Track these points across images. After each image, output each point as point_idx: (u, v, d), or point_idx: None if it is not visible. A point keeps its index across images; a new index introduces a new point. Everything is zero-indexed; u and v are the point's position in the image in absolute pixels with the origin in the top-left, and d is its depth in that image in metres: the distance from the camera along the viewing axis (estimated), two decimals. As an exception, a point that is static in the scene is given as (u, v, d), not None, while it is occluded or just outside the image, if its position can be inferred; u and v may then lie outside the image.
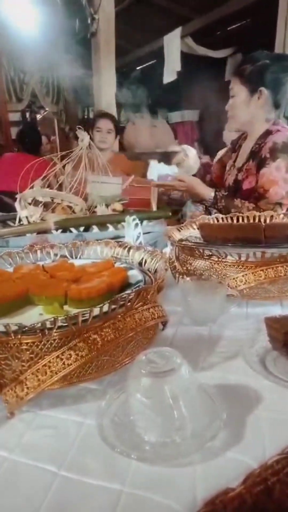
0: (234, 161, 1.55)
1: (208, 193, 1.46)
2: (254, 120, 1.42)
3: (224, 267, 0.78)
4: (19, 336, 0.51)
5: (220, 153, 1.86)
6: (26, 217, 1.46)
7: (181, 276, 0.87)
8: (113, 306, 0.56)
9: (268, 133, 1.37)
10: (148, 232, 1.38)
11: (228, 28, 4.39)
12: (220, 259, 0.79)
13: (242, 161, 1.46)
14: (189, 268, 0.86)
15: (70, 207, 1.61)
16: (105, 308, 0.55)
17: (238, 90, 1.40)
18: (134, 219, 0.99)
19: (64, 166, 1.68)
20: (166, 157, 1.76)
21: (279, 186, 1.28)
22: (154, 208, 1.68)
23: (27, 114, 6.09)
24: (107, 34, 3.29)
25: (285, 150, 1.29)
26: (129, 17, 4.30)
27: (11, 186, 1.65)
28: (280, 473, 0.42)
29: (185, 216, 2.86)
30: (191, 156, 1.63)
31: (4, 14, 3.52)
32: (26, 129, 3.62)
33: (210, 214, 2.10)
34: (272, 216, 1.03)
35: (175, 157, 1.67)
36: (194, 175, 1.70)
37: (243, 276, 0.75)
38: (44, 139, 4.18)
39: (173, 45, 4.31)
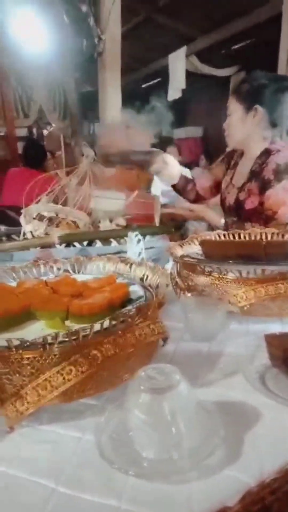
0: (231, 179, 1.54)
1: (218, 220, 1.45)
2: (250, 138, 1.42)
3: (225, 283, 0.79)
4: (21, 351, 0.51)
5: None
6: (31, 232, 1.48)
7: (182, 292, 0.88)
8: (113, 322, 0.56)
9: (267, 152, 1.38)
10: (151, 248, 1.40)
11: (233, 48, 4.48)
12: (220, 276, 0.79)
13: (242, 181, 1.45)
14: (190, 284, 0.86)
15: (74, 222, 1.63)
16: (106, 324, 0.55)
17: (234, 108, 1.41)
18: (136, 235, 1.00)
19: (69, 181, 1.70)
20: (142, 163, 1.72)
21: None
22: (157, 223, 1.70)
23: (34, 130, 6.20)
24: (113, 54, 3.38)
25: None
26: (136, 36, 4.42)
27: (17, 200, 1.68)
28: (278, 492, 0.42)
29: (188, 231, 2.88)
30: (171, 163, 1.62)
31: (13, 33, 3.63)
32: (30, 145, 3.68)
33: (213, 229, 2.11)
34: (273, 233, 1.04)
35: (153, 165, 1.64)
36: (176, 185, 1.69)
37: (243, 292, 0.76)
38: (48, 154, 4.24)
39: (178, 63, 4.40)
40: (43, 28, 3.45)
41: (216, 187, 1.67)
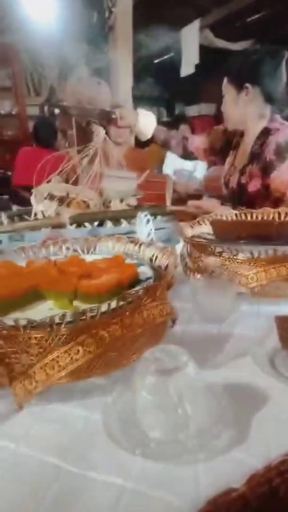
0: (233, 160, 1.51)
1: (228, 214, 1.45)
2: (246, 118, 1.40)
3: (235, 264, 0.77)
4: (28, 331, 0.51)
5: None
6: (42, 212, 1.48)
7: (192, 273, 0.87)
8: (121, 303, 0.56)
9: (267, 131, 1.34)
10: (162, 228, 1.38)
11: (248, 20, 4.30)
12: (231, 257, 0.78)
13: (243, 163, 1.42)
14: (200, 265, 0.85)
15: (85, 202, 1.62)
16: (113, 304, 0.55)
17: (227, 89, 1.39)
18: (145, 215, 0.99)
19: (80, 160, 1.68)
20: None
21: None
22: (169, 203, 1.67)
23: (46, 108, 6.13)
24: (124, 28, 3.28)
25: None
26: (147, 9, 4.26)
27: (28, 180, 1.67)
28: (285, 474, 0.41)
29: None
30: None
31: (22, 9, 3.54)
32: (40, 123, 3.64)
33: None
34: (286, 213, 1.01)
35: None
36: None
37: (254, 274, 0.74)
38: (59, 134, 4.20)
39: (191, 37, 4.25)
40: (52, 2, 3.36)
41: (211, 151, 1.68)
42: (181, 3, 4.04)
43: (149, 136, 1.62)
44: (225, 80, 1.40)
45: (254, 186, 1.37)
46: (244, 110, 1.38)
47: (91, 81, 1.73)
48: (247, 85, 1.33)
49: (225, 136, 1.60)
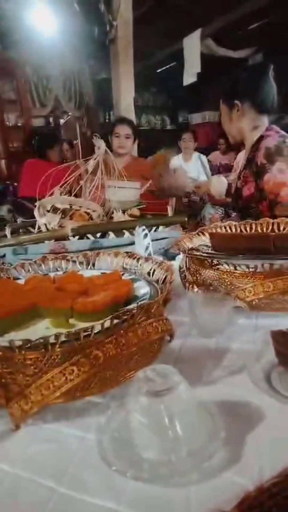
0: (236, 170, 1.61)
1: (222, 190, 1.54)
2: (241, 131, 1.49)
3: (233, 277, 0.77)
4: (24, 352, 0.52)
5: None
6: (45, 224, 1.50)
7: (190, 286, 0.87)
8: (115, 321, 0.56)
9: (260, 138, 1.41)
10: (164, 238, 1.39)
11: (249, 28, 4.32)
12: (228, 270, 0.78)
13: (240, 170, 1.52)
14: (198, 278, 0.85)
15: (88, 213, 1.63)
16: (108, 323, 0.55)
17: (222, 109, 1.52)
18: (143, 230, 0.99)
19: (83, 172, 1.71)
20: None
21: None
22: (170, 213, 1.68)
23: (51, 119, 6.22)
24: (125, 40, 3.32)
25: (280, 153, 1.33)
26: (149, 20, 4.32)
27: (33, 192, 1.70)
28: (277, 497, 0.41)
29: (204, 219, 2.85)
30: (216, 185, 1.74)
31: (26, 23, 3.61)
32: (35, 136, 3.67)
33: (229, 216, 2.12)
34: (286, 223, 1.01)
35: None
36: None
37: (251, 287, 0.74)
38: (65, 145, 4.24)
39: (193, 46, 4.29)
40: (55, 17, 3.42)
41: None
42: (181, 14, 4.08)
43: (223, 196, 1.73)
44: (221, 101, 1.53)
45: (248, 190, 1.44)
46: (238, 124, 1.48)
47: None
48: (236, 102, 1.43)
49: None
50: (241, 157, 1.73)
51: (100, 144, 1.70)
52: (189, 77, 4.43)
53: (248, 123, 1.45)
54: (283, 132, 1.43)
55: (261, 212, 1.39)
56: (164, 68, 6.00)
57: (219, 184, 1.69)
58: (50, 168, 1.72)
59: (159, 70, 6.16)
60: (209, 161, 4.16)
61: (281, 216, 1.24)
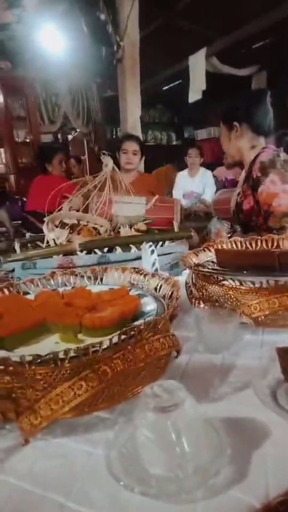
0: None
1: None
2: (239, 150, 1.58)
3: (238, 294, 0.78)
4: (33, 367, 0.53)
5: None
6: (53, 239, 1.52)
7: (197, 302, 0.88)
8: (123, 337, 0.57)
9: (257, 156, 1.49)
10: (170, 253, 1.41)
11: (253, 47, 4.41)
12: (234, 286, 0.79)
13: (240, 186, 1.59)
14: (205, 293, 0.86)
15: (95, 229, 1.66)
16: (115, 339, 0.56)
17: (222, 130, 1.61)
18: (150, 246, 1.01)
19: (91, 189, 1.74)
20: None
21: (280, 198, 1.37)
22: (176, 228, 1.70)
23: (59, 136, 6.34)
24: (132, 59, 3.40)
25: (273, 165, 1.41)
26: (155, 40, 4.43)
27: (39, 206, 1.73)
28: (284, 514, 0.42)
29: (210, 233, 2.86)
30: None
31: (36, 43, 3.73)
32: (41, 149, 3.70)
33: (235, 231, 2.14)
34: (291, 239, 1.02)
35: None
36: None
37: (257, 303, 0.75)
38: (72, 161, 4.31)
39: (198, 65, 4.38)
40: (64, 38, 3.52)
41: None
42: (187, 34, 4.18)
43: None
44: (221, 123, 1.62)
45: (248, 203, 1.52)
46: (236, 144, 1.57)
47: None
48: (235, 123, 1.53)
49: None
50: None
51: (107, 162, 1.73)
52: (194, 94, 4.52)
53: (246, 142, 1.55)
54: (276, 148, 1.52)
55: (260, 225, 1.45)
56: (170, 85, 6.12)
57: None
58: (58, 183, 1.75)
59: (165, 87, 6.28)
60: (214, 176, 4.19)
61: (274, 227, 1.35)
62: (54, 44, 3.66)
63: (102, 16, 3.02)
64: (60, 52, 3.71)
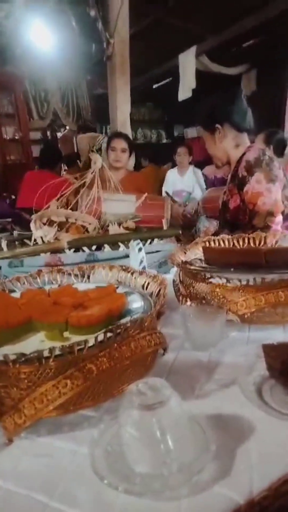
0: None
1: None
2: (225, 151, 1.58)
3: (225, 291, 0.79)
4: (18, 366, 0.52)
5: None
6: (41, 237, 1.51)
7: (184, 299, 0.88)
8: (109, 335, 0.57)
9: (243, 155, 1.50)
10: (158, 251, 1.40)
11: (243, 45, 4.42)
12: (221, 284, 0.79)
13: (227, 184, 1.59)
14: (192, 291, 0.86)
15: (83, 226, 1.65)
16: (101, 337, 0.56)
17: (204, 135, 1.62)
18: (137, 244, 1.01)
19: (80, 186, 1.73)
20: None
21: (265, 196, 1.38)
22: (165, 226, 1.70)
23: (48, 133, 6.29)
24: (122, 57, 3.38)
25: (259, 164, 1.41)
26: (145, 38, 4.41)
27: (31, 202, 1.71)
28: (267, 510, 0.42)
29: (198, 232, 2.87)
30: None
31: (25, 39, 3.68)
32: (46, 147, 3.74)
33: (223, 228, 2.14)
34: (277, 237, 1.02)
35: None
36: None
37: (243, 300, 0.75)
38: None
39: (188, 63, 4.38)
40: (53, 34, 3.49)
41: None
42: (177, 31, 4.18)
43: None
44: (200, 129, 1.65)
45: (234, 202, 1.52)
46: (221, 145, 1.57)
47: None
48: (217, 126, 1.52)
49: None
50: None
51: (96, 159, 1.72)
52: (184, 92, 4.51)
53: (230, 141, 1.55)
54: (262, 147, 1.54)
55: (246, 224, 1.45)
56: (160, 83, 6.11)
57: None
58: (49, 180, 1.74)
59: (155, 85, 6.27)
60: (204, 174, 4.20)
61: (259, 226, 1.35)
62: (43, 40, 3.62)
63: (92, 13, 3.00)
64: (49, 48, 3.67)
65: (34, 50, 3.81)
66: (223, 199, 1.62)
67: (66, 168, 3.52)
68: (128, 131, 3.51)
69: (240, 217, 1.49)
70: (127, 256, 1.18)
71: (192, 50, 4.32)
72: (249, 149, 1.51)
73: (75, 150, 4.62)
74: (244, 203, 1.45)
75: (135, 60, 3.62)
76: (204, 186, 3.98)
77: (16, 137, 5.25)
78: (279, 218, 1.43)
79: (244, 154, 1.49)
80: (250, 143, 1.58)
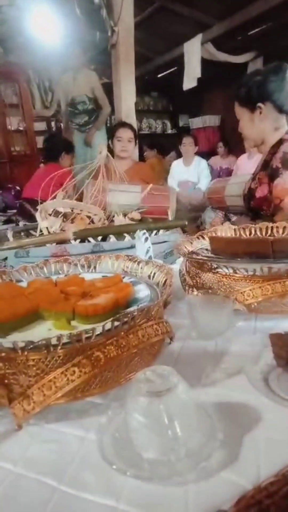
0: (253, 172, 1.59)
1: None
2: (263, 133, 1.47)
3: (232, 281, 0.78)
4: (26, 353, 0.53)
5: None
6: (47, 228, 1.51)
7: (190, 289, 0.88)
8: (116, 324, 0.57)
9: (280, 142, 1.40)
10: (164, 241, 1.40)
11: (249, 33, 4.36)
12: (228, 273, 0.79)
13: (256, 170, 1.49)
14: (198, 281, 0.86)
15: (89, 217, 1.64)
16: (108, 325, 0.56)
17: (241, 113, 1.49)
18: (144, 234, 1.01)
19: (86, 175, 1.73)
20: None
21: None
22: (171, 217, 1.69)
23: (53, 123, 6.26)
24: (126, 45, 3.34)
25: None
26: (150, 26, 4.36)
27: (37, 193, 1.71)
28: (274, 496, 0.42)
29: (204, 223, 2.86)
30: None
31: (29, 28, 3.65)
32: (49, 138, 3.73)
33: (229, 220, 2.12)
34: (285, 227, 1.02)
35: None
36: None
37: (250, 290, 0.75)
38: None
39: (194, 51, 4.32)
40: (57, 22, 3.45)
41: None
42: (182, 19, 4.12)
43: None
44: (236, 105, 1.49)
45: (261, 192, 1.44)
46: (260, 126, 1.46)
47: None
48: (259, 104, 1.41)
49: None
50: (242, 161, 1.74)
51: (102, 149, 1.71)
52: (189, 81, 4.46)
53: (270, 123, 1.44)
54: None
55: (268, 216, 1.39)
56: (165, 72, 6.04)
57: None
58: (57, 171, 1.74)
59: (160, 75, 6.20)
60: (209, 165, 4.18)
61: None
62: (47, 29, 3.58)
63: (96, 0, 2.96)
64: (53, 36, 3.64)
65: (38, 39, 3.77)
66: (249, 185, 1.53)
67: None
68: (133, 120, 3.49)
69: (264, 207, 1.42)
70: (133, 246, 1.18)
71: (198, 38, 4.27)
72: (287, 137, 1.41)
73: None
74: (271, 195, 1.38)
75: (139, 48, 3.59)
76: (210, 177, 3.96)
77: (21, 128, 5.24)
78: None
79: (282, 142, 1.40)
80: None
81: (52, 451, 0.50)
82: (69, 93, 3.73)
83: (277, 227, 1.03)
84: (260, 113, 1.42)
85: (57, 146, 3.25)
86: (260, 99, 1.40)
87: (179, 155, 4.31)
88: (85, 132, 3.72)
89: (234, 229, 1.06)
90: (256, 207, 1.46)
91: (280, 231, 1.02)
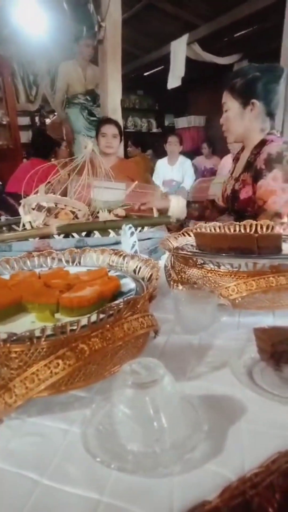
0: (232, 172, 1.57)
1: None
2: (248, 132, 1.44)
3: (217, 276, 0.79)
4: (8, 345, 0.52)
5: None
6: (30, 222, 1.48)
7: (175, 284, 0.88)
8: (101, 316, 0.56)
9: (263, 143, 1.39)
10: (149, 238, 1.40)
11: (235, 35, 4.40)
12: (212, 269, 0.79)
13: (239, 172, 1.48)
14: (183, 276, 0.86)
15: (73, 212, 1.63)
16: (94, 317, 0.55)
17: (231, 104, 1.42)
18: (130, 228, 1.00)
19: (69, 173, 1.70)
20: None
21: (277, 196, 1.30)
22: (155, 214, 1.69)
23: (37, 119, 6.18)
24: (113, 41, 3.32)
25: (280, 160, 1.31)
26: (137, 23, 4.34)
27: (21, 188, 1.68)
28: (258, 486, 0.42)
29: (188, 221, 2.87)
30: (175, 205, 1.69)
31: (14, 21, 3.59)
32: (38, 134, 3.68)
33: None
34: (268, 226, 1.03)
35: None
36: None
37: (235, 285, 0.76)
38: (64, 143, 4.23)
39: (179, 50, 4.33)
40: (43, 15, 3.40)
41: None
42: (169, 18, 4.12)
43: (183, 217, 1.72)
44: (228, 95, 1.43)
45: (246, 193, 1.42)
46: (249, 124, 1.42)
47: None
48: (254, 100, 1.37)
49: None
50: (226, 161, 1.74)
51: (87, 144, 1.70)
52: (174, 80, 4.47)
53: (258, 124, 1.41)
54: (287, 139, 1.39)
55: (252, 217, 1.38)
56: (152, 71, 6.04)
57: (178, 205, 1.68)
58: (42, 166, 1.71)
59: (147, 73, 6.20)
60: (194, 165, 4.20)
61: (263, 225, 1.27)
62: (32, 22, 3.53)
63: (84, -6, 2.94)
64: (39, 30, 3.58)
65: (23, 31, 3.71)
66: (233, 186, 1.50)
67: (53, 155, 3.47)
68: (119, 118, 3.47)
69: (249, 209, 1.40)
70: (117, 242, 1.17)
71: (184, 37, 4.28)
72: (269, 137, 1.39)
73: (64, 137, 4.56)
74: (255, 196, 1.37)
75: (126, 46, 3.57)
76: (194, 177, 3.98)
77: (4, 122, 5.14)
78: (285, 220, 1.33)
79: (264, 143, 1.38)
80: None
81: (34, 444, 0.49)
82: (74, 84, 3.73)
83: (261, 225, 1.04)
84: (251, 110, 1.39)
85: (48, 142, 3.21)
86: (255, 96, 1.37)
87: (156, 154, 4.33)
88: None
89: (219, 227, 1.07)
90: (240, 209, 1.45)
91: (264, 228, 1.03)
